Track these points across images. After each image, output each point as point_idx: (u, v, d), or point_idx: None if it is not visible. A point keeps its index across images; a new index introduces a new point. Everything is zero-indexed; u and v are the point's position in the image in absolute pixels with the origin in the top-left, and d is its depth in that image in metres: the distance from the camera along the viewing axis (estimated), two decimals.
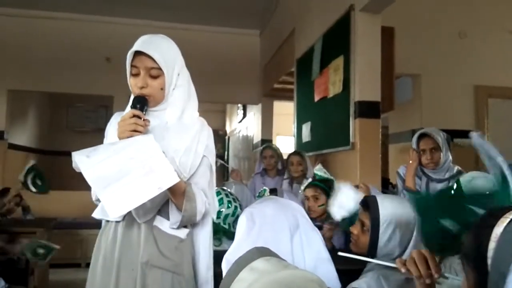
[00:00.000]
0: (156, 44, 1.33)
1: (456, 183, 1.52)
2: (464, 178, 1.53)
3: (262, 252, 0.88)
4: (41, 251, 3.05)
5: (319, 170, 2.62)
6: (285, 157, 3.69)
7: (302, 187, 2.58)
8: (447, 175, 2.42)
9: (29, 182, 3.73)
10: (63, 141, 7.60)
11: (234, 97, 6.60)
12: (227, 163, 9.21)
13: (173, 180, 1.17)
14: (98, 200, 1.36)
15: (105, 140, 1.43)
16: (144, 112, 1.28)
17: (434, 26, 4.28)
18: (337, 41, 3.28)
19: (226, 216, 2.02)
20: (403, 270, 0.99)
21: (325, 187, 2.39)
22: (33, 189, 3.77)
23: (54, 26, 5.69)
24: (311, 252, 1.08)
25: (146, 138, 1.21)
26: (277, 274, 0.78)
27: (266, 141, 5.77)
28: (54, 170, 7.04)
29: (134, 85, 1.33)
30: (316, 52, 3.66)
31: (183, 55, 1.43)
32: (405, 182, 2.42)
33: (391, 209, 1.33)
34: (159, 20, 5.69)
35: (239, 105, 8.13)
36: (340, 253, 1.08)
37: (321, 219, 2.35)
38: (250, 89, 6.24)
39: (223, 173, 9.21)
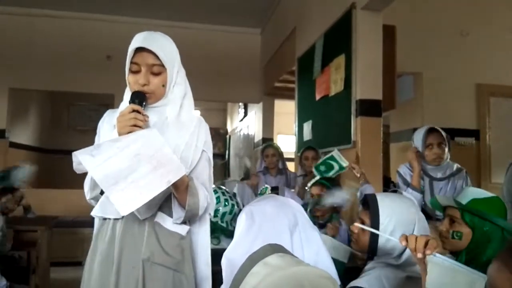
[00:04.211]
0: (158, 41, 1.32)
1: None
2: None
3: (276, 249, 0.89)
4: None
5: (336, 156, 2.65)
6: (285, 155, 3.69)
7: (309, 184, 2.53)
8: (447, 173, 2.42)
9: None
10: (64, 140, 7.60)
11: (235, 96, 6.59)
12: (229, 162, 9.19)
13: (181, 172, 1.17)
14: (93, 199, 1.36)
15: (96, 137, 1.42)
16: (143, 108, 1.27)
17: (435, 25, 4.26)
18: (339, 39, 3.27)
19: (224, 214, 2.02)
20: (403, 243, 1.08)
21: (332, 187, 2.35)
22: None
23: (55, 24, 5.69)
24: (310, 250, 1.08)
25: (151, 133, 1.20)
26: (290, 269, 0.79)
27: (267, 140, 5.77)
28: (55, 169, 7.06)
29: (134, 82, 1.31)
30: (318, 50, 3.65)
31: (184, 54, 1.43)
32: (412, 182, 2.40)
33: (391, 207, 1.32)
34: (159, 18, 5.69)
35: (240, 103, 8.13)
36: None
37: (324, 218, 2.32)
38: (251, 87, 6.23)
39: (224, 172, 9.21)
